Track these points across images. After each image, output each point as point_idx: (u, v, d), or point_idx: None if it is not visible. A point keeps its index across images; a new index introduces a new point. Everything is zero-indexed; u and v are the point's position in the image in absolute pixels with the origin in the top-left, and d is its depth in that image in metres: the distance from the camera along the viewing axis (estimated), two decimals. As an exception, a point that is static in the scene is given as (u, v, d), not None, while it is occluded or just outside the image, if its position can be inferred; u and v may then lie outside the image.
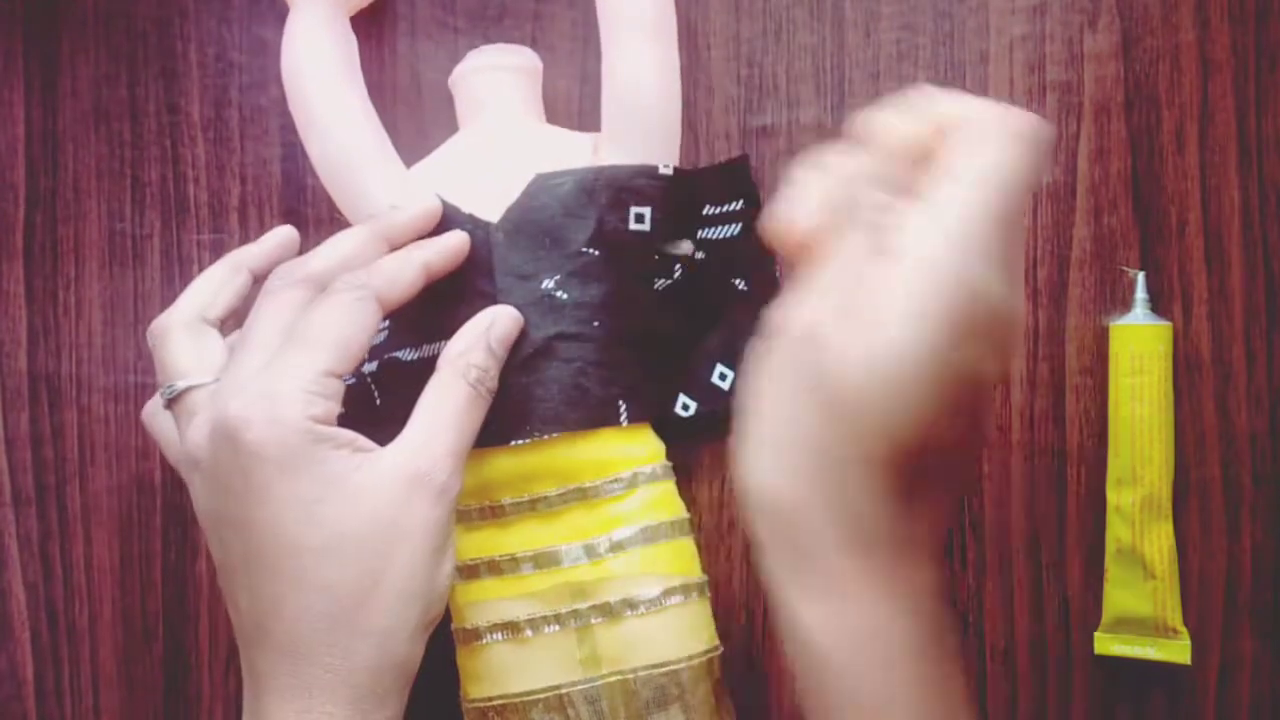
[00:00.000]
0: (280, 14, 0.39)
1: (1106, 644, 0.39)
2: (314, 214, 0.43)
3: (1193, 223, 0.39)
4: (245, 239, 0.43)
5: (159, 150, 0.44)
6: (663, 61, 0.38)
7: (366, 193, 0.38)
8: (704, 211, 0.40)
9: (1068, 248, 0.40)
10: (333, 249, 0.36)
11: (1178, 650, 0.38)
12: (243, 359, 0.33)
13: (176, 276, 0.44)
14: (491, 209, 0.37)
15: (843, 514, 0.26)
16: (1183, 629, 0.38)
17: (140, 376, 0.44)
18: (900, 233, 0.26)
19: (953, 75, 0.40)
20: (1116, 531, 0.38)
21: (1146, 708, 0.39)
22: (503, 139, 0.39)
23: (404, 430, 0.33)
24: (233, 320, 0.37)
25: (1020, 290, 0.30)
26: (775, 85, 0.41)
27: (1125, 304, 0.39)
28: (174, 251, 0.44)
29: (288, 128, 0.43)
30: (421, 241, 0.36)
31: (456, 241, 0.37)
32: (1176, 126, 0.39)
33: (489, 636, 0.36)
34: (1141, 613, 0.38)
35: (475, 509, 0.37)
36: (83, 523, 0.44)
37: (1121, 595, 0.38)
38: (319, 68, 0.38)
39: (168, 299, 0.43)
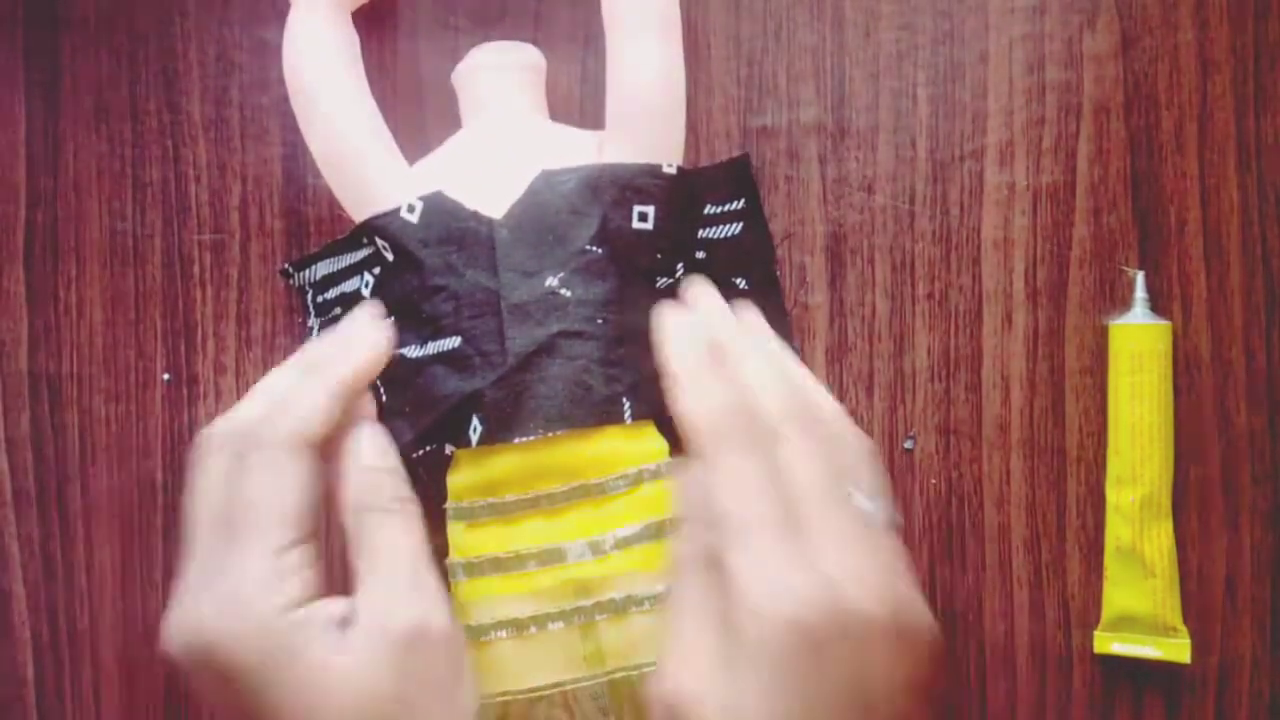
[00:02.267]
0: (281, 14, 0.39)
1: (1106, 643, 0.39)
2: (315, 213, 0.43)
3: (1192, 222, 0.39)
4: (247, 239, 0.43)
5: (160, 150, 0.44)
6: (668, 59, 0.38)
7: (369, 190, 0.38)
8: (705, 210, 0.40)
9: (1067, 247, 0.40)
10: (263, 393, 0.34)
11: (1177, 649, 0.38)
12: (195, 557, 0.31)
13: (177, 276, 0.44)
14: (495, 205, 0.37)
15: None
16: (1182, 628, 0.38)
17: (141, 376, 0.44)
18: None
19: (952, 75, 0.40)
20: (1116, 530, 0.39)
21: (1146, 707, 0.39)
22: (506, 136, 0.39)
23: (363, 586, 0.31)
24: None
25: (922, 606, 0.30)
26: (775, 85, 0.41)
27: (1125, 303, 0.39)
28: (175, 251, 0.44)
29: (289, 127, 0.43)
30: (328, 359, 0.35)
31: (362, 350, 0.35)
32: (1175, 126, 0.39)
33: (493, 634, 0.36)
34: (1141, 611, 0.38)
35: (481, 505, 0.37)
36: (83, 523, 0.44)
37: (1121, 594, 0.39)
38: (321, 64, 0.38)
39: (169, 299, 0.44)
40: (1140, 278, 0.39)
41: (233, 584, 0.29)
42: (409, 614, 0.30)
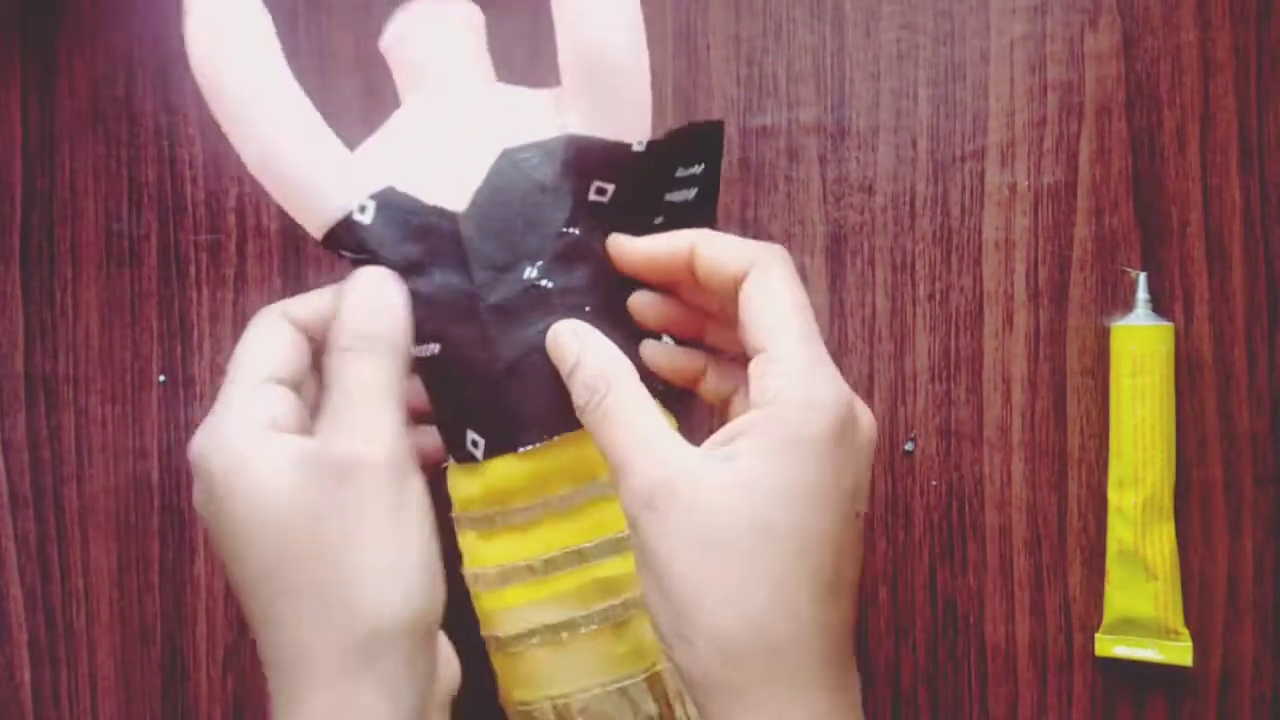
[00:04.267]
0: (279, 14, 0.39)
1: (1107, 645, 0.39)
2: (312, 214, 0.43)
3: (1194, 223, 0.39)
4: (243, 239, 0.43)
5: (156, 150, 0.44)
6: (628, 12, 0.34)
7: (310, 190, 0.34)
8: (675, 174, 0.37)
9: (1069, 248, 0.40)
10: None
11: (1179, 652, 0.38)
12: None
13: (173, 277, 0.44)
14: (455, 194, 0.34)
15: (766, 646, 0.29)
16: (1184, 630, 0.38)
17: (137, 377, 0.44)
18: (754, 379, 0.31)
19: (953, 75, 0.40)
20: (1118, 532, 0.38)
21: (1147, 709, 0.39)
22: (454, 108, 0.35)
23: (317, 422, 0.32)
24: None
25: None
26: (775, 85, 0.41)
27: (1127, 304, 0.39)
28: (171, 252, 0.44)
29: (286, 128, 0.43)
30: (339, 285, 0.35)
31: (371, 284, 0.34)
32: (1178, 126, 0.39)
33: (526, 643, 0.35)
34: (1143, 614, 0.38)
35: (494, 514, 0.36)
36: (80, 525, 0.44)
37: (1123, 596, 0.38)
38: (237, 53, 0.33)
39: (165, 299, 0.44)
40: (1142, 279, 0.39)
41: (217, 408, 0.32)
42: (348, 444, 0.31)
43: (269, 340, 0.33)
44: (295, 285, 0.43)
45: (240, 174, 0.43)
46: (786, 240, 0.41)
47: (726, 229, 0.41)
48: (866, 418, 0.32)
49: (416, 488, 0.32)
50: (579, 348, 0.33)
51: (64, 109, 0.44)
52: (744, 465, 0.29)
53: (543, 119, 0.35)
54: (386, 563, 0.31)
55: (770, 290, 0.32)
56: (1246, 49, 0.39)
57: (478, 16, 0.36)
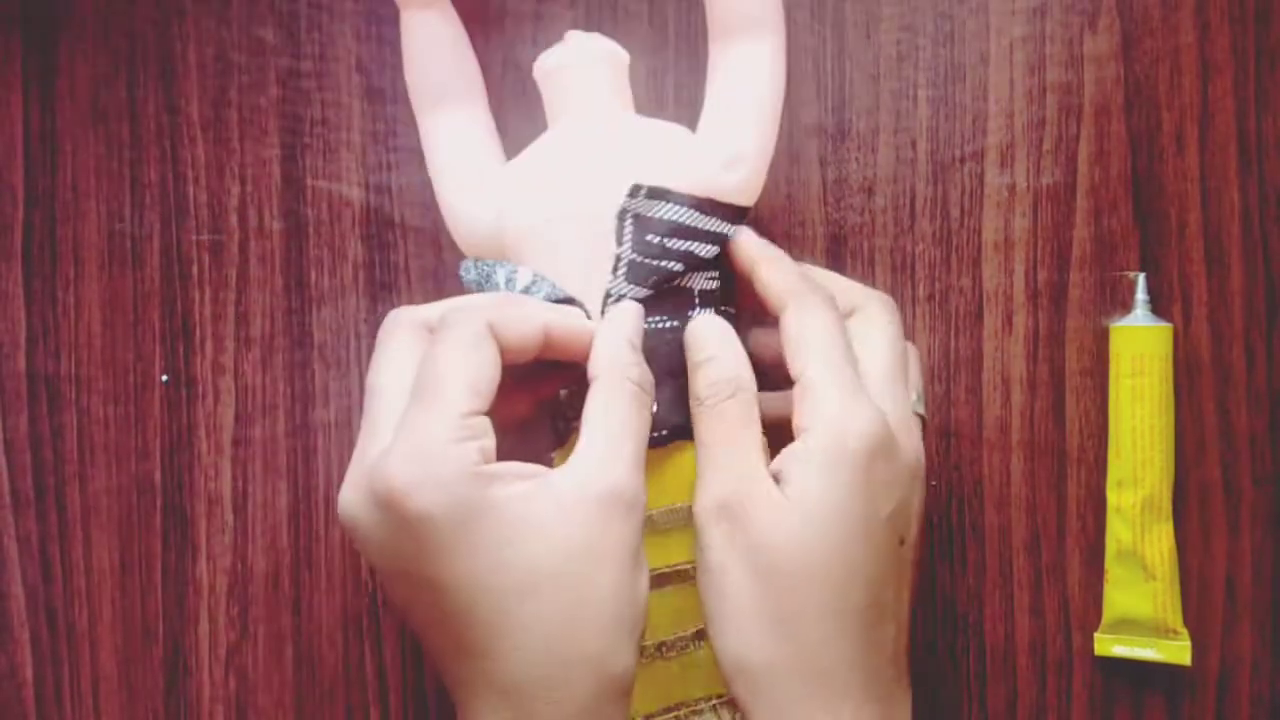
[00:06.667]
0: (280, 14, 0.39)
1: (1106, 645, 0.39)
2: (314, 214, 0.43)
3: (1193, 224, 0.39)
4: (245, 240, 0.43)
5: (158, 151, 0.44)
6: (776, 66, 0.36)
7: (464, 196, 0.38)
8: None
9: (1068, 249, 0.40)
10: (448, 301, 0.34)
11: (1178, 651, 0.38)
12: (376, 417, 0.32)
13: (176, 277, 0.44)
14: (590, 256, 0.35)
15: (808, 668, 0.29)
16: (1183, 630, 0.38)
17: (139, 377, 0.44)
18: (798, 401, 0.31)
19: (953, 77, 0.40)
20: (1117, 532, 0.38)
21: (1146, 709, 0.39)
22: (592, 134, 0.37)
23: (579, 446, 0.31)
24: None
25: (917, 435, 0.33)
26: (775, 86, 0.41)
27: (1125, 305, 0.39)
28: (173, 252, 0.44)
29: (287, 128, 0.43)
30: (547, 305, 0.34)
31: (582, 326, 0.34)
32: (1176, 128, 0.39)
33: (657, 654, 0.35)
34: (1142, 614, 0.38)
35: (660, 513, 0.35)
36: (82, 524, 0.44)
37: (1122, 596, 0.39)
38: (443, 69, 0.39)
39: (167, 300, 0.44)
40: (1141, 279, 0.39)
41: (419, 440, 0.30)
42: (611, 477, 0.30)
43: (478, 361, 0.31)
44: (297, 286, 0.43)
45: (242, 174, 0.44)
46: (787, 241, 0.41)
47: (727, 230, 0.41)
48: (911, 444, 0.32)
49: (641, 531, 0.32)
50: (719, 344, 0.34)
51: (65, 109, 0.44)
52: (791, 492, 0.30)
53: (674, 153, 0.36)
54: (631, 615, 0.30)
55: (805, 321, 0.32)
56: (1245, 50, 0.39)
57: (622, 54, 0.38)
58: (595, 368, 0.33)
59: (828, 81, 0.41)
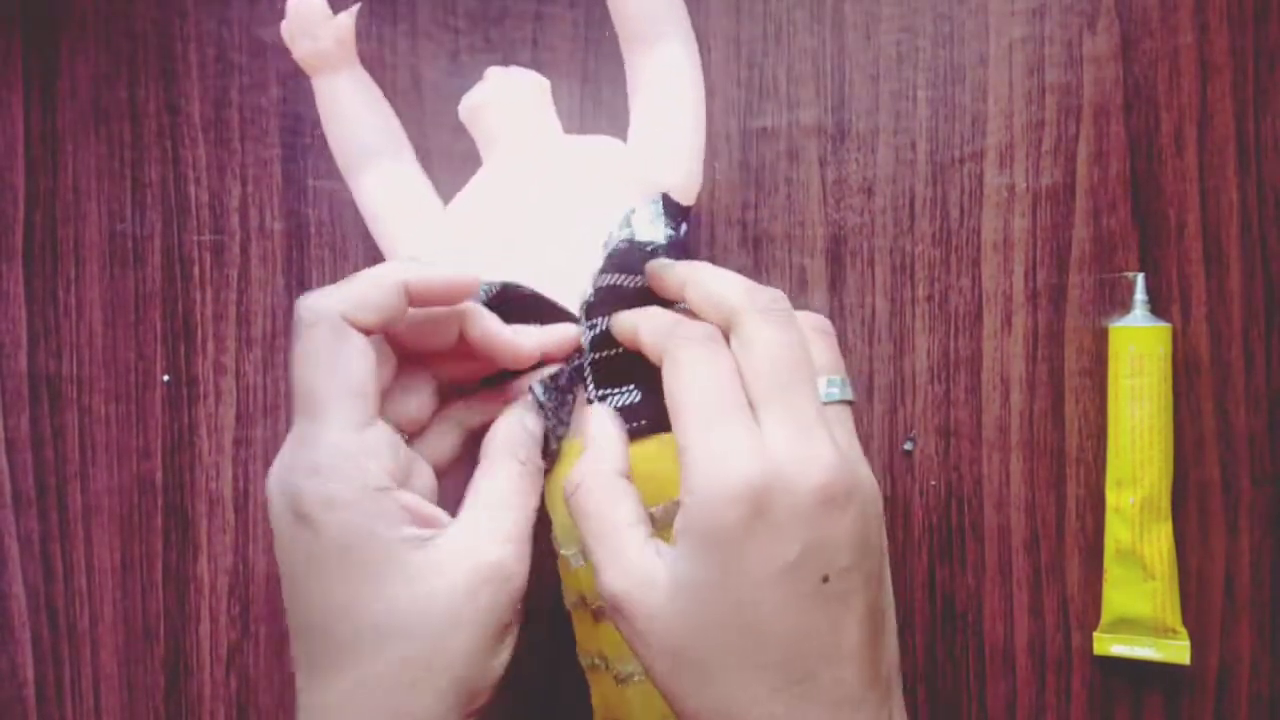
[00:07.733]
0: (279, 14, 0.39)
1: (1106, 644, 0.39)
2: (315, 215, 0.43)
3: (1191, 224, 0.39)
4: (246, 240, 0.43)
5: (159, 151, 0.44)
6: (693, 69, 0.38)
7: (405, 243, 0.39)
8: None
9: (1067, 249, 0.40)
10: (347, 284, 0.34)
11: (1177, 650, 0.38)
12: (295, 420, 0.32)
13: (177, 277, 0.44)
14: (555, 273, 0.37)
15: None
16: (1182, 629, 0.39)
17: (141, 377, 0.44)
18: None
19: (952, 77, 0.40)
20: (1116, 532, 0.39)
21: (1145, 708, 0.39)
22: (527, 164, 0.38)
23: (462, 514, 0.32)
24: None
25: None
26: (775, 87, 0.41)
27: (1124, 305, 0.39)
28: (174, 252, 0.44)
29: (287, 129, 0.43)
30: (403, 263, 0.34)
31: (453, 272, 0.34)
32: (1175, 128, 0.39)
33: (636, 677, 0.35)
34: (1141, 613, 0.38)
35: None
36: (83, 524, 0.44)
37: (1121, 596, 0.39)
38: (364, 129, 0.39)
39: (168, 300, 0.44)
40: (1140, 280, 0.39)
41: (319, 453, 0.30)
42: (484, 550, 0.31)
43: (347, 357, 0.31)
44: (299, 286, 0.43)
45: (243, 174, 0.44)
46: (786, 241, 0.41)
47: (728, 231, 0.41)
48: (816, 468, 0.28)
49: (517, 615, 0.32)
50: (594, 436, 0.33)
51: (66, 109, 0.44)
52: (680, 569, 0.29)
53: (604, 165, 0.38)
54: (473, 688, 0.31)
55: (671, 381, 0.31)
56: (1244, 51, 0.39)
57: (543, 82, 0.39)
58: (487, 445, 0.34)
59: (828, 82, 0.41)
